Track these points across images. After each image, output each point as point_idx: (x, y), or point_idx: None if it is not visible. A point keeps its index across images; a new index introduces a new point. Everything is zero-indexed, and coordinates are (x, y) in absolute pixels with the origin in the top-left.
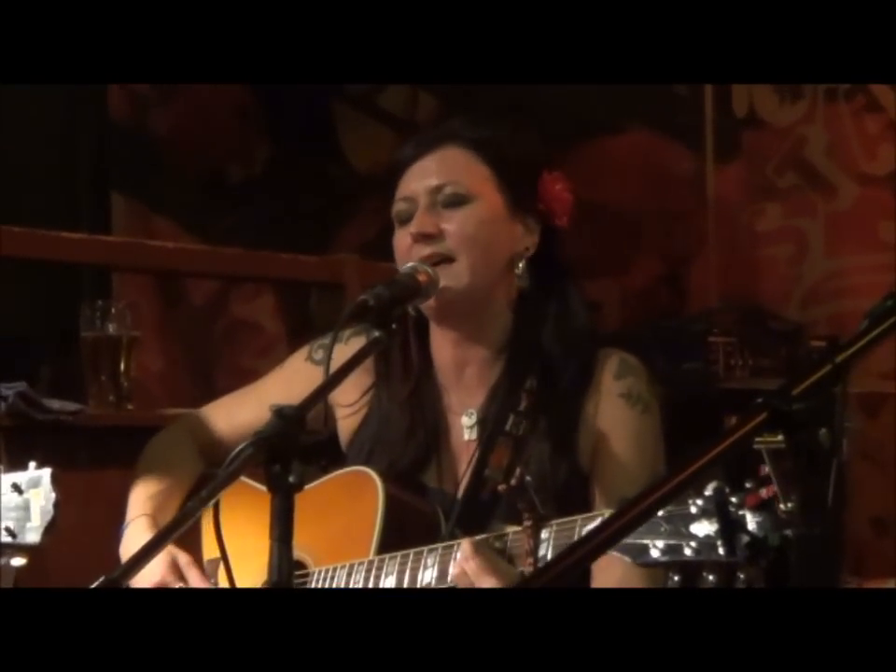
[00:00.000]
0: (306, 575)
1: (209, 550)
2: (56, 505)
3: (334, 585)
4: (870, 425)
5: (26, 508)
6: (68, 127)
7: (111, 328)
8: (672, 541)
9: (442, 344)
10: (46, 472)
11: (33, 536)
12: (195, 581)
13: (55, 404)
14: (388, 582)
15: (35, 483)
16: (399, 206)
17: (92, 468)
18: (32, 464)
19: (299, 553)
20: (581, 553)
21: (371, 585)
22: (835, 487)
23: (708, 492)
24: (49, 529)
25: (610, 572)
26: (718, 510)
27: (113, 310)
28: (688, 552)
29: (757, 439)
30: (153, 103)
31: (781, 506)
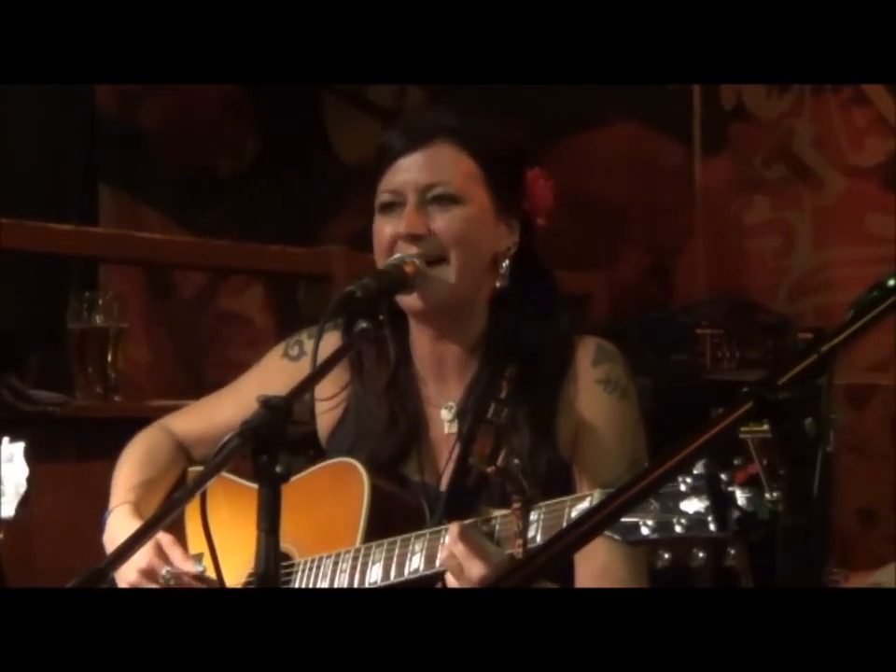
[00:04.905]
0: (292, 566)
1: (194, 544)
2: (29, 479)
3: (321, 575)
4: (857, 416)
5: None
6: (56, 119)
7: (99, 319)
8: (662, 519)
9: (421, 339)
10: (18, 447)
11: (6, 510)
12: (178, 560)
13: (42, 395)
14: (375, 570)
15: (8, 458)
16: (384, 197)
17: (79, 459)
18: (5, 439)
19: (284, 544)
20: (569, 540)
21: (357, 574)
22: (821, 477)
23: (698, 470)
24: (23, 503)
25: (594, 557)
26: (708, 485)
27: (100, 302)
28: (678, 528)
29: (743, 428)
30: (141, 95)
31: (767, 495)
